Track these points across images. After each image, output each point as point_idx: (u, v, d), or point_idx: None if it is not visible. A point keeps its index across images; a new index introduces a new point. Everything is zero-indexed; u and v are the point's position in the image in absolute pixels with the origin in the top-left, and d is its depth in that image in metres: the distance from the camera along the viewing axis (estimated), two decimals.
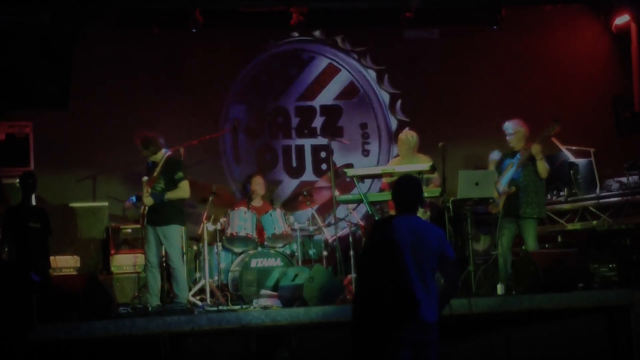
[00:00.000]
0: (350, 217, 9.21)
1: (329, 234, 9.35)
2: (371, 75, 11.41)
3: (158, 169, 8.09)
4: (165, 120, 10.31)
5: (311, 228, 9.51)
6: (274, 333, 7.00)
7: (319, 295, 7.46)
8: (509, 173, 8.34)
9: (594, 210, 9.21)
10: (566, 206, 9.42)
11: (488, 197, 8.18)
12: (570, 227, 9.38)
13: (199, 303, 8.32)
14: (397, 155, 9.38)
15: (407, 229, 5.29)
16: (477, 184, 8.00)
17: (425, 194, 8.11)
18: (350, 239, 8.91)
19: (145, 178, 8.23)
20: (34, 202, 8.82)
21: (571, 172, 9.48)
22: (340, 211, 9.62)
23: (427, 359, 5.21)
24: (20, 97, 8.88)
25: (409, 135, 9.00)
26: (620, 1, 10.90)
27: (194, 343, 6.86)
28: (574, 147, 9.74)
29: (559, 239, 9.68)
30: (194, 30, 10.38)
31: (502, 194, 8.30)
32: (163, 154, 8.19)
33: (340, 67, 11.36)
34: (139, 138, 8.18)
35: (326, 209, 9.73)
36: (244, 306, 7.98)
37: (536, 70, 11.44)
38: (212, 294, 8.61)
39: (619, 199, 9.03)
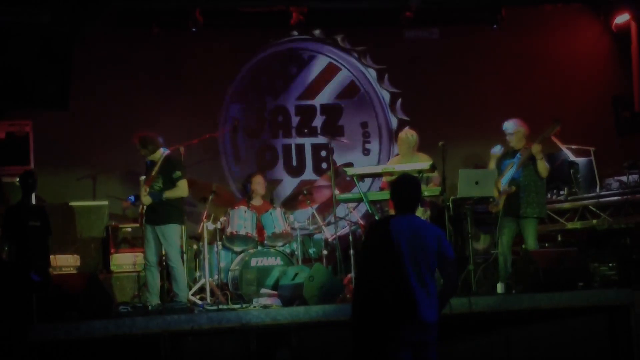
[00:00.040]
0: (350, 216, 9.22)
1: (329, 233, 9.36)
2: (372, 74, 11.41)
3: (156, 168, 8.10)
4: (165, 119, 10.32)
5: (311, 227, 9.51)
6: (274, 332, 7.01)
7: (319, 294, 7.46)
8: (509, 172, 8.34)
9: (594, 209, 9.21)
10: (566, 205, 9.42)
11: (488, 196, 8.18)
12: (570, 226, 9.39)
13: (199, 302, 8.32)
14: (397, 154, 9.39)
15: (406, 229, 5.28)
16: (477, 183, 8.00)
17: (425, 193, 8.15)
18: (350, 238, 8.91)
19: (142, 177, 8.24)
20: (33, 201, 8.83)
21: (571, 171, 9.48)
22: (341, 210, 9.64)
23: (427, 359, 5.20)
24: (20, 97, 8.88)
25: (408, 135, 9.00)
26: (620, 0, 10.90)
27: (194, 342, 6.85)
28: (574, 146, 9.74)
29: (559, 238, 9.67)
30: (194, 30, 10.38)
31: (502, 194, 8.31)
32: (161, 153, 8.20)
33: (340, 66, 11.37)
34: (137, 137, 8.19)
35: (326, 208, 9.73)
36: (244, 305, 7.98)
37: (536, 70, 11.44)
38: (212, 293, 8.61)
39: (619, 198, 9.03)
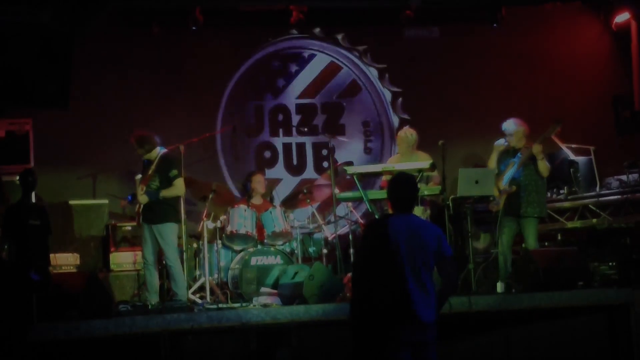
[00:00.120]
0: (350, 215, 9.21)
1: (328, 232, 9.36)
2: (373, 73, 11.41)
3: (153, 167, 8.11)
4: (165, 118, 10.33)
5: (311, 226, 9.51)
6: (274, 331, 7.00)
7: (319, 293, 7.46)
8: (509, 172, 8.34)
9: (593, 208, 9.21)
10: (566, 204, 9.42)
11: (488, 195, 8.17)
12: (570, 225, 9.39)
13: (199, 301, 8.32)
14: (397, 153, 9.39)
15: (404, 228, 5.27)
16: (477, 182, 8.00)
17: (425, 192, 8.16)
18: (350, 237, 8.92)
19: (138, 176, 8.25)
20: (33, 200, 8.83)
21: (571, 170, 9.48)
22: (341, 209, 9.64)
23: (427, 359, 5.20)
24: (20, 97, 8.90)
25: (408, 133, 9.01)
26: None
27: (193, 341, 6.85)
28: (574, 145, 9.74)
29: (559, 237, 9.67)
30: (194, 29, 10.38)
31: (502, 193, 8.30)
32: (157, 152, 8.20)
33: (342, 65, 11.37)
34: (134, 137, 8.20)
35: (326, 206, 9.73)
36: (244, 304, 7.98)
37: (536, 69, 11.43)
38: (212, 292, 8.61)
39: (619, 197, 9.03)
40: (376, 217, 7.95)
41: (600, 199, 9.18)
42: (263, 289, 8.30)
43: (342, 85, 11.36)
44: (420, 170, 8.05)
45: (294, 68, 11.26)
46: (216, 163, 10.87)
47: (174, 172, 8.09)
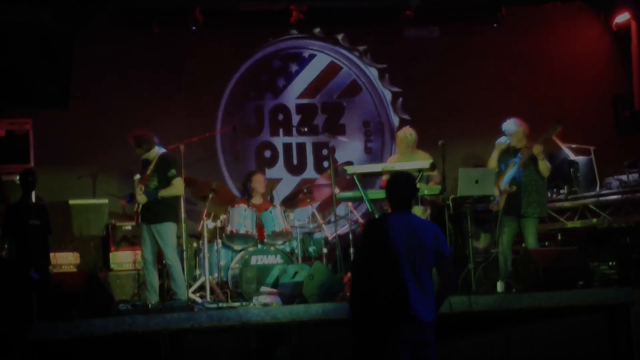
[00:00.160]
0: (351, 215, 9.21)
1: (328, 232, 9.36)
2: (373, 73, 11.41)
3: (151, 167, 8.11)
4: (165, 118, 10.33)
5: (311, 225, 9.51)
6: (274, 330, 7.00)
7: (319, 293, 7.46)
8: (510, 172, 8.34)
9: (594, 208, 9.21)
10: (566, 204, 9.42)
11: (488, 195, 8.18)
12: (570, 225, 9.39)
13: (199, 300, 8.32)
14: (397, 153, 9.38)
15: (403, 227, 5.25)
16: (477, 181, 8.00)
17: (425, 192, 8.16)
18: (350, 236, 8.92)
19: (137, 176, 8.25)
20: (33, 200, 8.83)
21: (571, 170, 9.48)
22: (341, 209, 9.64)
23: (426, 359, 5.18)
24: (20, 97, 8.91)
25: (407, 133, 9.01)
26: None
27: (194, 340, 6.86)
28: (574, 145, 9.74)
29: (559, 237, 9.67)
30: (194, 29, 10.38)
31: (503, 193, 8.30)
32: (156, 152, 8.20)
33: (342, 65, 11.37)
34: (132, 136, 8.20)
35: (326, 206, 9.73)
36: (244, 303, 7.97)
37: (536, 69, 11.43)
38: (212, 291, 8.61)
39: (619, 197, 9.04)
40: (376, 216, 7.95)
41: (600, 198, 9.19)
42: (263, 289, 8.30)
43: (343, 85, 11.36)
44: (420, 170, 8.05)
45: (294, 68, 11.27)
46: (216, 163, 10.87)
47: (173, 171, 8.09)
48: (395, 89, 11.43)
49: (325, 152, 11.06)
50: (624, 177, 9.11)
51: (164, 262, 8.24)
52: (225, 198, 9.35)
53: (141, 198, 8.04)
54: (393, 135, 11.19)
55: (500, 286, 8.01)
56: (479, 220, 9.13)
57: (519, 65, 11.38)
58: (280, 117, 11.18)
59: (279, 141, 11.16)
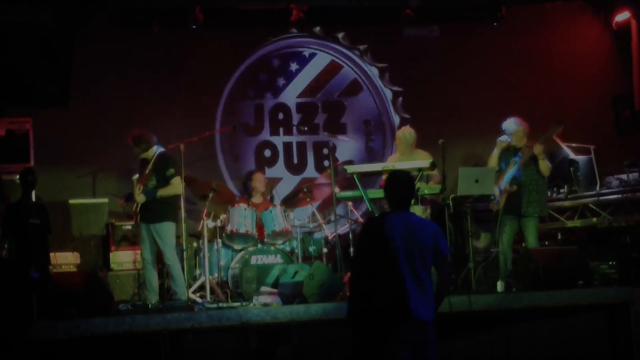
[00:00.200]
0: (351, 214, 9.21)
1: (329, 231, 9.35)
2: (373, 72, 11.41)
3: (150, 167, 8.11)
4: (165, 117, 10.34)
5: (311, 225, 9.50)
6: (274, 330, 7.00)
7: (319, 293, 7.45)
8: (510, 171, 8.34)
9: (594, 207, 9.21)
10: (566, 203, 9.42)
11: (488, 194, 8.17)
12: (570, 224, 9.39)
13: (199, 300, 8.31)
14: (397, 152, 9.37)
15: (402, 226, 5.25)
16: (477, 181, 8.00)
17: (426, 191, 8.16)
18: (350, 236, 8.91)
19: (135, 176, 8.24)
20: (33, 199, 8.83)
21: (571, 169, 9.49)
22: (341, 209, 9.63)
23: (426, 358, 5.18)
24: (20, 97, 8.91)
25: (406, 133, 9.00)
26: None
27: (194, 340, 6.85)
28: (574, 144, 9.74)
29: (559, 237, 9.68)
30: (194, 28, 10.38)
31: (503, 192, 8.31)
32: (154, 151, 8.20)
33: (342, 64, 11.36)
34: (130, 136, 8.20)
35: (326, 206, 9.73)
36: (244, 303, 7.96)
37: (536, 68, 11.43)
38: (212, 291, 8.60)
39: (619, 196, 9.04)
40: (378, 214, 7.95)
41: (601, 198, 9.19)
42: (263, 288, 8.29)
43: (343, 84, 11.36)
44: (420, 169, 8.05)
45: (294, 67, 11.26)
46: (216, 162, 10.87)
47: (171, 170, 8.08)
48: (396, 88, 11.42)
49: (325, 151, 11.05)
50: (624, 177, 9.12)
51: (164, 261, 8.24)
52: (225, 197, 9.35)
53: (140, 198, 8.04)
54: (394, 134, 11.16)
55: (500, 285, 8.01)
56: (479, 219, 9.12)
57: (519, 65, 11.37)
58: (281, 116, 11.18)
59: (279, 140, 11.16)
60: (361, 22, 11.19)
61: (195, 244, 9.22)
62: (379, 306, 5.13)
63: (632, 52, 10.60)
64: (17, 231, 8.39)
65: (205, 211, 8.98)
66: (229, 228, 8.87)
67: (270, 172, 10.86)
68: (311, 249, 9.55)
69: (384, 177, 8.70)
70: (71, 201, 9.75)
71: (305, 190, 9.32)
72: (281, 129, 11.16)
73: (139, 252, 8.79)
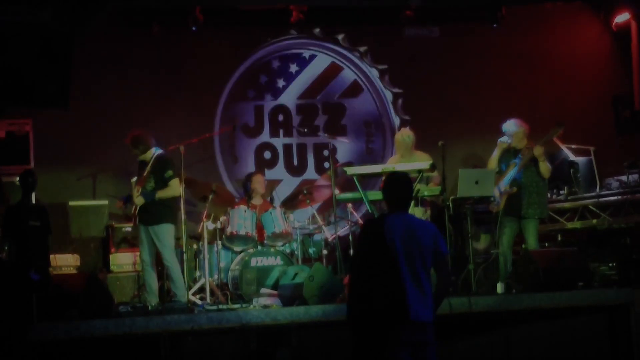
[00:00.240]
0: (351, 216, 9.21)
1: (328, 233, 9.35)
2: (374, 73, 11.41)
3: (148, 168, 8.11)
4: (165, 118, 10.35)
5: (311, 227, 9.51)
6: (274, 332, 7.00)
7: (319, 294, 7.45)
8: (510, 173, 8.34)
9: (594, 209, 9.21)
10: (566, 205, 9.42)
11: (488, 196, 8.17)
12: (570, 225, 9.39)
13: (199, 302, 8.31)
14: (394, 154, 9.36)
15: (401, 227, 5.25)
16: (477, 182, 7.99)
17: (426, 193, 8.15)
18: (350, 237, 8.91)
19: (134, 179, 8.24)
20: (33, 201, 8.83)
21: (571, 170, 9.48)
22: (341, 211, 9.63)
23: (426, 359, 5.19)
24: (20, 97, 8.90)
25: (404, 136, 8.99)
26: None
27: (194, 342, 6.85)
28: (574, 146, 9.74)
29: (559, 238, 9.67)
30: (194, 29, 10.37)
31: (503, 194, 8.30)
32: (153, 153, 8.19)
33: (343, 65, 11.36)
34: (129, 137, 8.19)
35: (326, 207, 9.73)
36: (244, 305, 7.97)
37: (536, 69, 11.43)
38: (212, 293, 8.60)
39: (619, 197, 9.04)
40: (377, 215, 7.94)
41: (600, 199, 9.19)
42: (263, 290, 8.28)
43: (344, 85, 11.36)
44: (420, 171, 8.05)
45: (294, 68, 11.26)
46: (216, 163, 10.86)
47: (169, 172, 8.08)
48: (396, 90, 11.42)
49: (326, 152, 11.04)
50: (623, 178, 9.11)
51: (163, 263, 8.24)
52: (225, 199, 9.34)
53: (138, 200, 8.04)
54: (394, 135, 11.16)
55: (500, 287, 8.00)
56: (479, 221, 9.12)
57: (519, 65, 11.37)
58: (281, 117, 11.17)
59: (279, 142, 11.15)
60: (361, 22, 11.19)
61: (195, 246, 9.22)
62: (378, 308, 5.13)
63: (632, 54, 10.59)
64: (17, 233, 8.40)
65: (205, 213, 8.97)
66: (228, 230, 8.86)
67: (270, 173, 10.85)
68: (311, 250, 9.56)
69: (384, 178, 8.70)
70: (71, 203, 9.75)
71: (305, 192, 9.32)
72: (281, 131, 11.15)
73: (138, 254, 8.78)
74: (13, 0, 8.66)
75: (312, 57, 11.31)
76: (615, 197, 9.08)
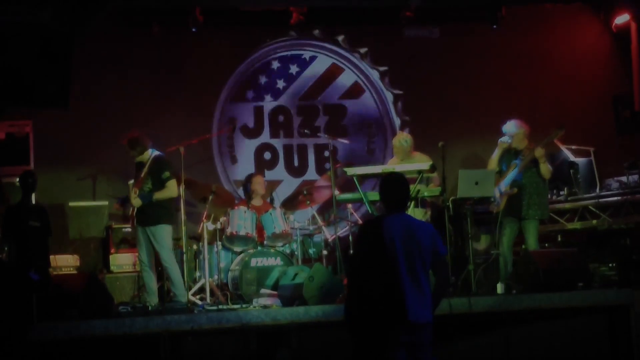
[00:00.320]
0: (350, 216, 9.21)
1: (328, 234, 9.35)
2: (374, 74, 11.41)
3: (145, 170, 8.11)
4: (165, 119, 10.35)
5: (311, 227, 9.51)
6: (274, 332, 7.01)
7: (319, 295, 7.45)
8: (511, 174, 8.34)
9: (593, 209, 9.21)
10: (566, 205, 9.42)
11: (488, 197, 8.17)
12: (570, 226, 9.39)
13: (199, 302, 8.31)
14: (393, 156, 9.35)
15: (400, 228, 5.25)
16: (476, 183, 7.99)
17: (426, 194, 8.16)
18: (350, 238, 8.91)
19: (131, 182, 8.24)
20: (33, 201, 8.83)
21: (571, 171, 9.48)
22: (341, 212, 9.63)
23: (422, 359, 5.19)
24: (20, 97, 8.89)
25: (402, 140, 8.98)
26: (620, 0, 10.88)
27: (194, 342, 6.86)
28: (574, 147, 9.74)
29: (559, 239, 9.67)
30: (194, 30, 10.37)
31: (503, 194, 8.30)
32: (149, 154, 8.19)
33: (343, 66, 11.36)
34: (126, 139, 8.18)
35: (326, 208, 9.72)
36: (244, 305, 7.98)
37: (536, 70, 11.42)
38: (212, 293, 8.61)
39: (619, 198, 9.03)
40: (375, 216, 7.94)
41: (600, 200, 9.18)
42: (263, 290, 8.28)
43: (345, 86, 11.36)
44: (420, 172, 8.05)
45: (294, 69, 11.25)
46: (215, 164, 10.86)
47: (167, 174, 8.08)
48: (397, 91, 11.42)
49: (327, 153, 11.03)
50: (623, 179, 9.11)
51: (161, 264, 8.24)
52: (225, 200, 9.34)
53: (136, 201, 8.04)
54: (395, 136, 11.18)
55: (500, 287, 8.00)
56: (479, 221, 9.13)
57: (519, 65, 11.36)
58: (281, 118, 11.17)
59: (279, 143, 11.15)
60: (361, 23, 11.18)
61: (195, 247, 9.22)
62: (377, 308, 5.14)
63: (632, 53, 10.58)
64: (17, 234, 8.40)
65: (205, 214, 8.97)
66: (228, 230, 8.86)
67: (270, 174, 10.85)
68: (311, 251, 9.57)
69: (380, 179, 8.69)
70: (71, 203, 9.76)
71: (305, 192, 9.32)
72: (281, 132, 11.15)
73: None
74: (13, 0, 8.65)
75: (313, 58, 11.30)
76: (615, 198, 9.07)
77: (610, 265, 8.99)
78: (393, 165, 8.78)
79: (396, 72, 11.39)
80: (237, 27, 10.95)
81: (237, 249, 9.01)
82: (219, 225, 8.94)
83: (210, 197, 8.99)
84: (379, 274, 5.18)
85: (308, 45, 11.30)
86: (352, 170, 8.25)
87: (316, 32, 11.28)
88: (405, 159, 8.88)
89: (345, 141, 10.30)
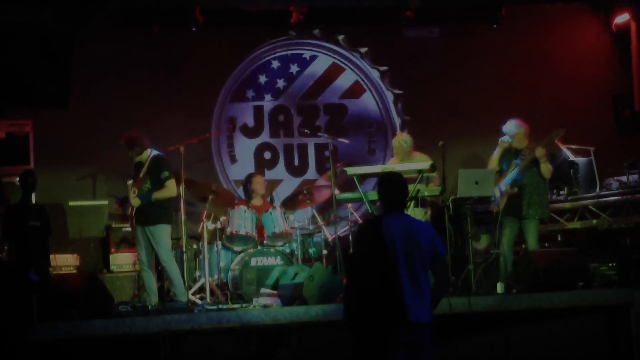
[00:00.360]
0: (350, 216, 9.21)
1: (328, 233, 9.35)
2: (375, 74, 11.40)
3: (144, 170, 8.10)
4: (165, 119, 10.35)
5: (311, 227, 9.51)
6: (274, 332, 7.01)
7: (319, 294, 7.45)
8: (511, 174, 8.34)
9: (594, 209, 9.21)
10: (566, 205, 9.42)
11: (488, 196, 8.18)
12: (570, 226, 9.39)
13: (199, 302, 8.31)
14: (393, 157, 9.35)
15: (399, 228, 5.25)
16: (476, 182, 7.99)
17: (426, 193, 8.15)
18: (350, 238, 8.90)
19: (130, 182, 8.24)
20: (33, 201, 8.83)
21: (571, 171, 9.49)
22: (342, 211, 9.63)
23: (424, 359, 5.19)
24: (20, 97, 8.91)
25: (401, 142, 8.97)
26: (620, 0, 10.88)
27: (194, 342, 6.86)
28: (574, 146, 9.74)
29: (559, 238, 9.67)
30: (194, 30, 10.37)
31: (503, 194, 8.30)
32: (148, 154, 8.19)
33: (344, 66, 11.35)
34: (124, 139, 8.18)
35: (327, 208, 9.72)
36: (244, 305, 7.97)
37: (536, 69, 11.42)
38: (212, 293, 8.60)
39: (619, 198, 9.04)
40: (375, 216, 7.94)
41: (600, 199, 9.19)
42: (263, 290, 8.29)
43: (345, 86, 11.35)
44: (420, 171, 8.05)
45: (294, 69, 11.25)
46: (215, 164, 10.86)
47: (165, 173, 8.07)
48: (397, 91, 11.42)
49: (327, 153, 11.02)
50: (623, 178, 9.12)
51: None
52: (225, 199, 9.34)
53: (135, 202, 8.04)
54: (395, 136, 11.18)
55: (500, 287, 7.99)
56: (479, 221, 9.13)
57: (519, 65, 11.36)
58: (281, 118, 11.17)
59: (279, 142, 11.15)
60: (361, 23, 11.18)
61: (195, 246, 9.22)
62: (377, 308, 5.13)
63: (632, 53, 10.58)
64: (17, 233, 8.40)
65: (205, 213, 8.97)
66: (228, 230, 8.87)
67: (271, 174, 10.85)
68: (311, 250, 9.57)
69: (378, 179, 8.69)
70: (71, 203, 9.76)
71: (305, 192, 9.32)
72: (281, 131, 11.15)
73: None
74: (13, 0, 8.66)
75: (313, 57, 11.30)
76: (615, 198, 9.08)
77: (610, 264, 9.00)
78: (393, 165, 8.78)
79: (396, 72, 11.39)
80: (237, 27, 10.94)
81: (237, 248, 9.01)
82: (219, 225, 8.95)
83: (210, 197, 8.99)
84: (378, 274, 5.18)
85: (308, 44, 11.30)
86: (352, 170, 8.25)
87: (316, 31, 11.27)
88: (405, 159, 8.88)
89: (346, 141, 10.30)
